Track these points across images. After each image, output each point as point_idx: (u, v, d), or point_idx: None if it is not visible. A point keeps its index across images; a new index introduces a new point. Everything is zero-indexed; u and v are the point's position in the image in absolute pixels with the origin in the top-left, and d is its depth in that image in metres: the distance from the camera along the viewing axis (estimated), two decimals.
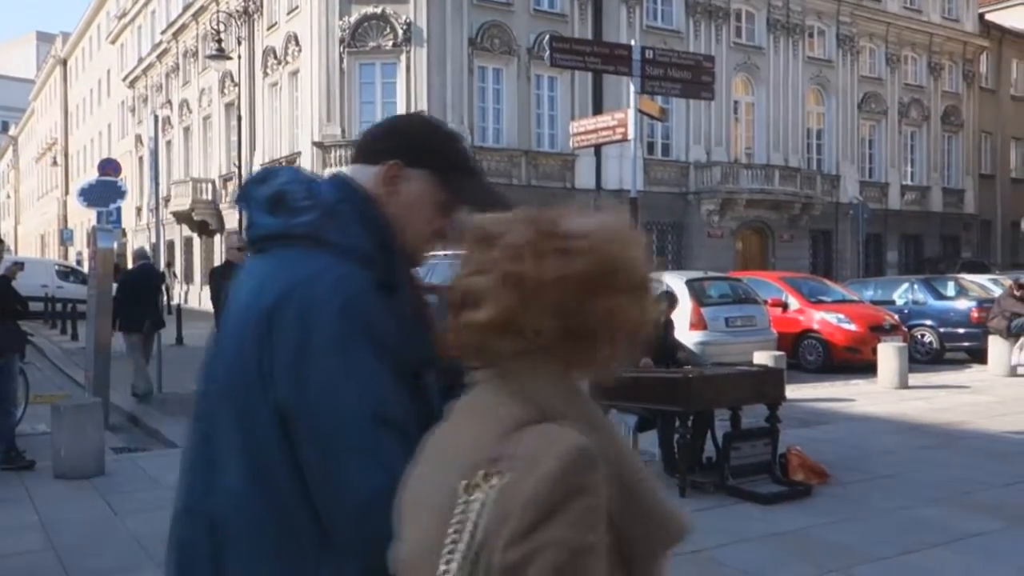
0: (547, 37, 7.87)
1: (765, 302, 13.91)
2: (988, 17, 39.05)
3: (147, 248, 14.06)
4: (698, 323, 12.14)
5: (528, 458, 1.00)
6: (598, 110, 24.15)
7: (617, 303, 1.10)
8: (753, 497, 6.11)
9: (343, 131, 23.96)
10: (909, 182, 35.40)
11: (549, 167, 25.99)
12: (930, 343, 15.50)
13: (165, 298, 30.87)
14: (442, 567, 1.00)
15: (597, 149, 24.01)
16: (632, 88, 7.94)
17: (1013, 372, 13.16)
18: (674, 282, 13.07)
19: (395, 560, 1.12)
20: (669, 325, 7.46)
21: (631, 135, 8.03)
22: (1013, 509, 5.90)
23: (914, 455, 7.69)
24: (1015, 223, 38.89)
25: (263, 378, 1.32)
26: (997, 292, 16.49)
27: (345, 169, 1.52)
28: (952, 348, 15.49)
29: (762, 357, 10.86)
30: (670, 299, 7.41)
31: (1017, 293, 13.52)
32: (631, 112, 7.96)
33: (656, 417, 6.97)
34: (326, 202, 1.41)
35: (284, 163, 26.45)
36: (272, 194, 1.44)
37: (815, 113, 32.21)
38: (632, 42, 8.65)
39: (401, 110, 24.00)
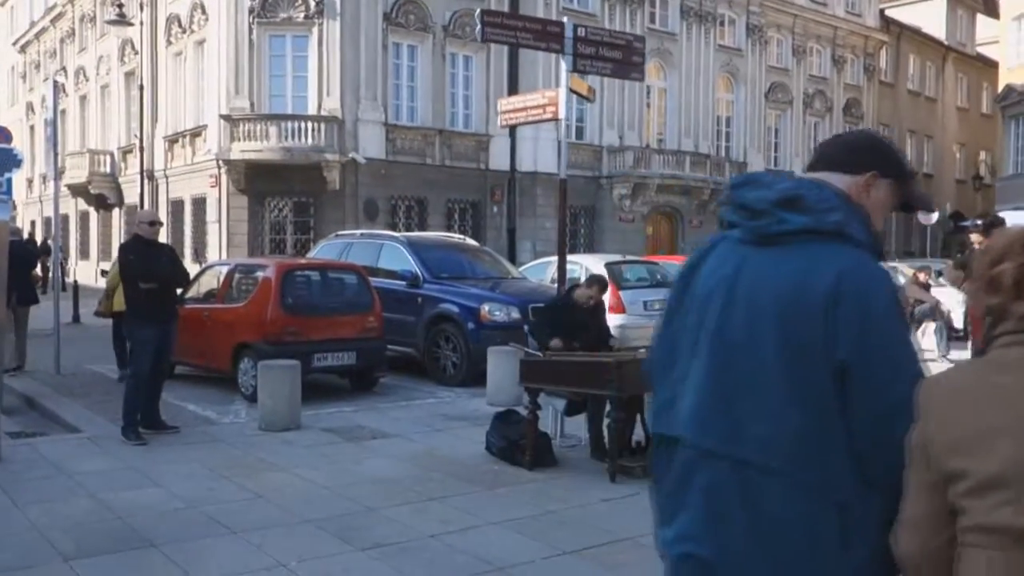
0: (478, 11, 7.65)
1: None
2: (888, 13, 40.42)
3: (23, 223, 13.23)
4: (617, 306, 12.15)
5: None
6: (514, 90, 23.98)
7: None
8: None
9: (252, 104, 23.16)
10: None
11: (463, 147, 25.73)
12: None
13: (50, 273, 29.52)
14: None
15: (512, 130, 23.85)
16: (563, 66, 7.80)
17: None
18: (593, 264, 13.09)
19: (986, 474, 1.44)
20: (600, 309, 7.39)
21: (562, 114, 7.90)
22: None
23: None
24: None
25: (826, 341, 1.65)
26: (900, 280, 17.11)
27: (818, 175, 1.84)
28: None
29: None
30: (600, 283, 7.34)
31: (920, 281, 14.01)
32: (562, 91, 7.82)
33: (585, 401, 6.91)
34: (840, 204, 1.76)
35: (189, 136, 25.46)
36: (785, 196, 1.77)
37: (725, 100, 32.81)
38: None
39: (313, 84, 23.36)
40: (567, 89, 7.78)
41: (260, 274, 9.94)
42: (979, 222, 6.98)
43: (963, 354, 14.03)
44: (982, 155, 45.79)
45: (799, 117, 35.44)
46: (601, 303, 7.39)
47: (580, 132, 27.53)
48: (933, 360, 13.41)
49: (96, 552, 4.63)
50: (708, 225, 30.80)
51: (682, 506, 1.80)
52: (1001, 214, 7.34)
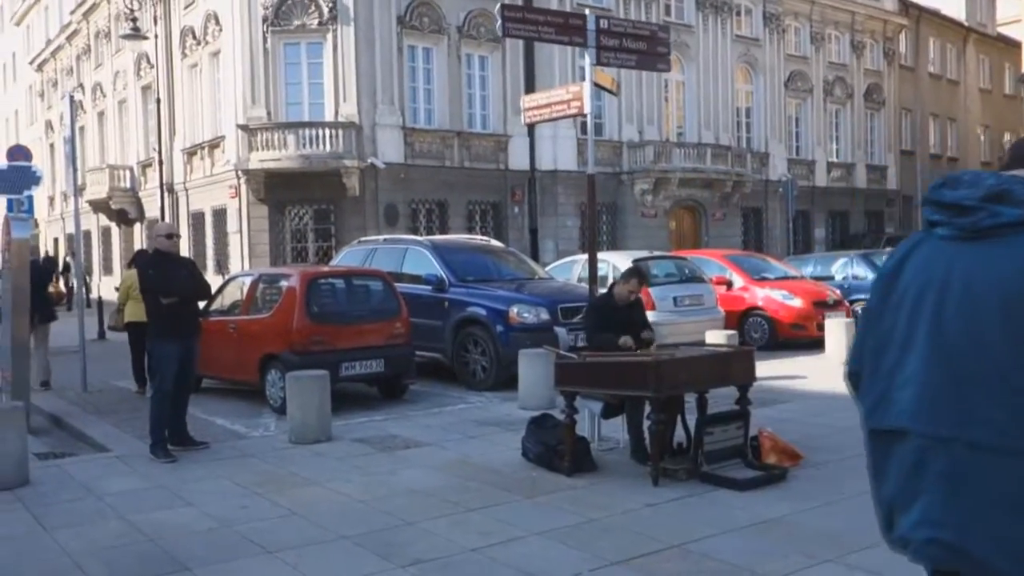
0: (498, 5, 7.42)
1: (710, 280, 13.81)
2: None
3: (45, 240, 13.22)
4: (647, 303, 11.91)
5: None
6: (531, 89, 23.78)
7: None
8: (729, 483, 5.89)
9: (269, 113, 23.10)
10: (835, 159, 35.99)
11: (482, 148, 25.55)
12: None
13: (69, 287, 29.55)
14: None
15: (531, 129, 23.66)
16: (587, 60, 7.59)
17: None
18: (621, 262, 12.86)
19: None
20: (640, 305, 7.18)
21: (587, 109, 7.69)
22: None
23: None
24: None
25: None
26: None
27: (1016, 172, 1.96)
28: None
29: (716, 336, 10.73)
30: (639, 275, 7.13)
31: None
32: (586, 85, 7.61)
33: (623, 403, 6.71)
34: None
35: (207, 147, 25.45)
36: (993, 192, 1.88)
37: (744, 91, 32.43)
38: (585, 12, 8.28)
39: (329, 91, 23.26)
40: (591, 83, 7.57)
41: (284, 283, 9.80)
42: None
43: None
44: (1007, 136, 45.09)
45: (820, 105, 34.98)
46: (640, 299, 7.18)
47: (599, 128, 27.26)
48: None
49: None
50: (731, 218, 30.50)
51: (919, 492, 1.88)
52: None
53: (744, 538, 4.89)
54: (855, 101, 36.40)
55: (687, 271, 13.64)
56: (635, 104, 28.04)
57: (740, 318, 14.04)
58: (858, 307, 15.53)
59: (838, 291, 15.03)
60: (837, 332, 12.00)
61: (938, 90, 41.87)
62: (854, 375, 2.13)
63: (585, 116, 7.78)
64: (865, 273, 16.21)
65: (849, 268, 16.59)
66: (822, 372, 11.25)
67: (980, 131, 44.79)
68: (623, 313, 6.94)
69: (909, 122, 40.12)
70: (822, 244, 34.01)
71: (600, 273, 11.57)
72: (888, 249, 19.98)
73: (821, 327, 12.97)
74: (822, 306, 13.97)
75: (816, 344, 13.13)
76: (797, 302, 13.97)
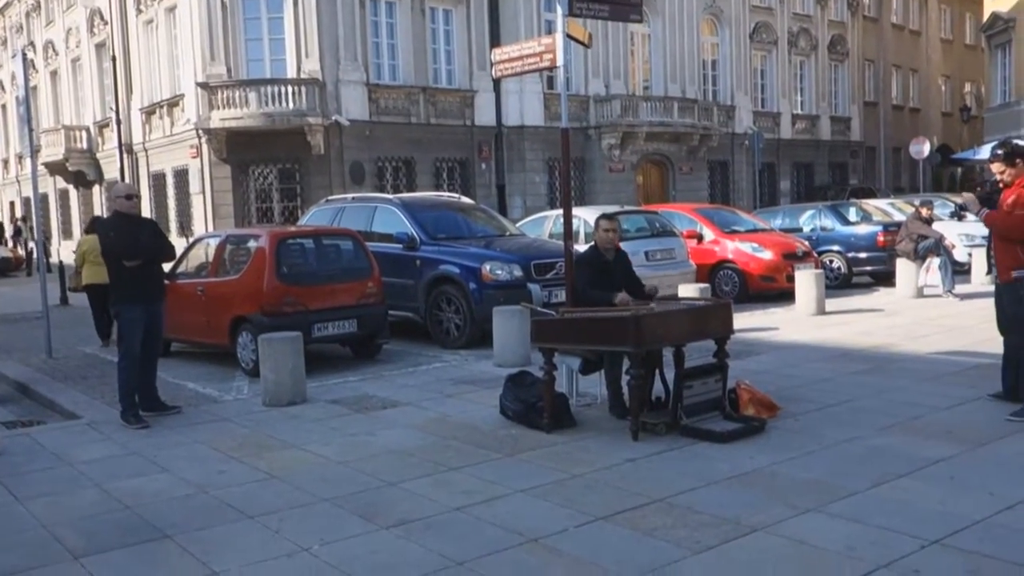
0: None
1: (680, 234, 13.80)
2: None
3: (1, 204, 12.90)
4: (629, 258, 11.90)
5: None
6: (496, 43, 23.44)
7: None
8: (709, 436, 5.91)
9: (229, 70, 22.56)
10: (799, 111, 36.06)
11: (448, 104, 25.22)
12: (839, 268, 15.76)
13: (28, 252, 28.99)
14: None
15: (497, 84, 23.38)
16: (559, 11, 7.42)
17: (920, 293, 13.48)
18: (590, 217, 12.78)
19: None
20: (626, 258, 7.12)
21: (560, 62, 7.55)
22: (964, 432, 5.86)
23: (851, 381, 7.66)
24: (896, 149, 40.27)
25: None
26: (898, 216, 16.89)
27: None
28: (859, 272, 15.79)
29: (688, 290, 10.74)
30: (609, 218, 7.05)
31: (923, 216, 13.78)
32: (558, 37, 7.46)
33: (601, 358, 6.69)
34: None
35: (166, 106, 24.86)
36: None
37: (709, 44, 32.26)
38: None
39: (291, 47, 22.76)
40: (564, 35, 7.42)
41: (253, 244, 9.62)
42: (999, 151, 6.66)
43: (967, 288, 13.89)
44: (967, 87, 45.43)
45: (784, 57, 34.94)
46: (625, 252, 7.12)
47: (566, 83, 26.98)
48: (938, 295, 13.25)
49: (108, 547, 4.39)
50: (698, 172, 30.51)
51: None
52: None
53: (727, 490, 4.91)
54: (819, 53, 36.40)
55: (658, 225, 13.62)
56: (601, 58, 27.77)
57: (711, 271, 14.09)
58: (826, 258, 15.68)
59: (806, 243, 15.11)
60: (807, 283, 12.07)
61: (901, 41, 41.98)
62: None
63: (557, 69, 7.64)
64: (833, 225, 16.31)
65: (817, 220, 16.68)
66: (793, 323, 11.34)
67: (941, 81, 45.06)
68: (612, 266, 6.89)
69: (872, 73, 40.25)
70: (788, 196, 34.20)
71: (573, 228, 11.50)
72: (866, 201, 20.10)
73: (791, 279, 13.05)
74: (791, 258, 14.05)
75: (786, 296, 13.23)
76: (767, 254, 14.03)
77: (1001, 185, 6.55)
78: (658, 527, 4.40)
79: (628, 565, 3.90)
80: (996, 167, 6.57)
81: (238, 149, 22.31)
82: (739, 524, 4.36)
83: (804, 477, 5.08)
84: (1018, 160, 6.43)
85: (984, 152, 23.85)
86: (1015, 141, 7.07)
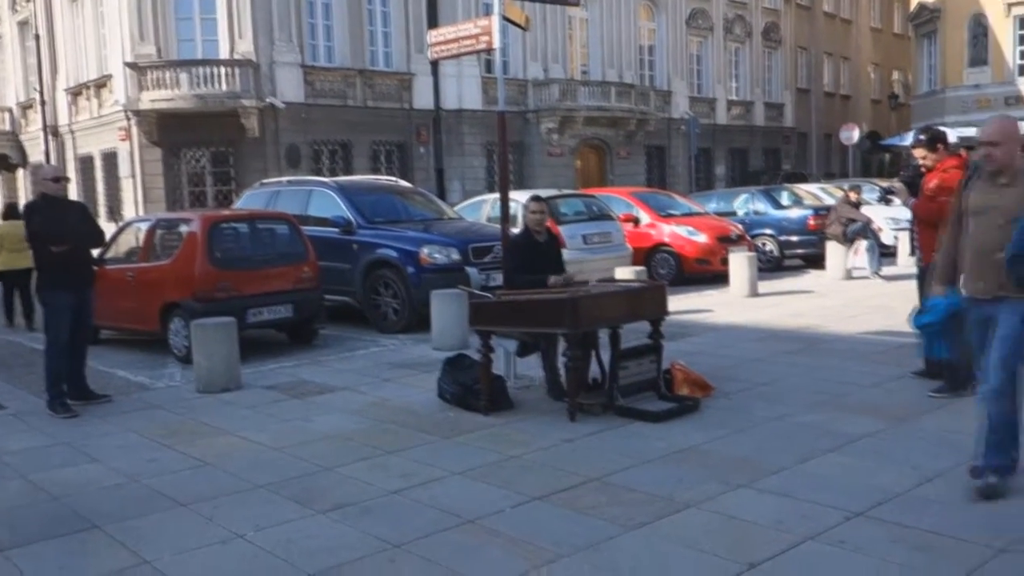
0: None
1: (617, 217, 13.92)
2: None
3: None
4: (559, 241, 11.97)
5: None
6: (433, 25, 23.24)
7: None
8: (644, 416, 5.99)
9: (159, 50, 21.97)
10: (734, 97, 36.58)
11: (385, 87, 24.96)
12: (771, 251, 16.07)
13: None
14: None
15: (435, 67, 23.21)
16: None
17: (849, 275, 13.84)
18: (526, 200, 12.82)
19: None
20: (556, 241, 7.17)
21: (496, 44, 7.53)
22: (888, 409, 6.05)
23: (782, 361, 7.84)
24: (828, 135, 41.13)
25: None
26: (828, 200, 17.29)
27: None
28: (790, 255, 16.14)
29: (625, 273, 10.85)
30: (537, 200, 7.10)
31: (851, 200, 14.13)
32: (495, 19, 7.44)
33: (538, 341, 6.73)
34: None
35: (93, 87, 24.13)
36: None
37: (646, 29, 32.49)
38: None
39: (223, 27, 22.26)
40: (501, 17, 7.41)
41: (184, 228, 9.43)
42: (922, 137, 6.86)
43: (892, 270, 14.30)
44: (895, 74, 46.58)
45: (720, 43, 35.38)
46: (555, 235, 7.17)
47: (504, 66, 26.90)
48: (866, 277, 13.62)
49: (34, 539, 4.27)
50: (636, 156, 30.78)
51: None
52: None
53: (661, 468, 5.00)
54: (754, 39, 36.95)
55: (595, 209, 13.72)
56: (540, 42, 27.78)
57: (647, 254, 14.26)
58: (759, 241, 15.98)
59: (740, 226, 15.38)
60: (741, 266, 12.30)
61: (832, 29, 42.80)
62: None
63: (494, 51, 7.62)
64: (766, 208, 16.62)
65: (750, 203, 16.98)
66: (727, 305, 11.55)
67: (871, 69, 46.10)
68: (543, 249, 6.93)
69: (805, 60, 40.99)
70: (723, 181, 34.71)
71: (510, 212, 11.52)
72: (797, 185, 20.50)
73: (725, 261, 13.27)
74: (726, 241, 14.29)
75: (721, 278, 13.46)
76: (702, 237, 14.24)
77: (923, 170, 6.75)
78: (594, 505, 4.45)
79: (564, 543, 3.95)
80: (919, 152, 6.78)
81: (169, 132, 21.78)
82: (672, 501, 4.44)
83: (736, 454, 5.19)
84: (939, 146, 6.64)
85: (911, 138, 24.47)
86: (937, 127, 7.29)
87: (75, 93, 25.26)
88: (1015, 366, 4.26)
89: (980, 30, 30.81)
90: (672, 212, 15.16)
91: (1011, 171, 4.34)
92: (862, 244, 13.77)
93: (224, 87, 21.45)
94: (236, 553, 4.02)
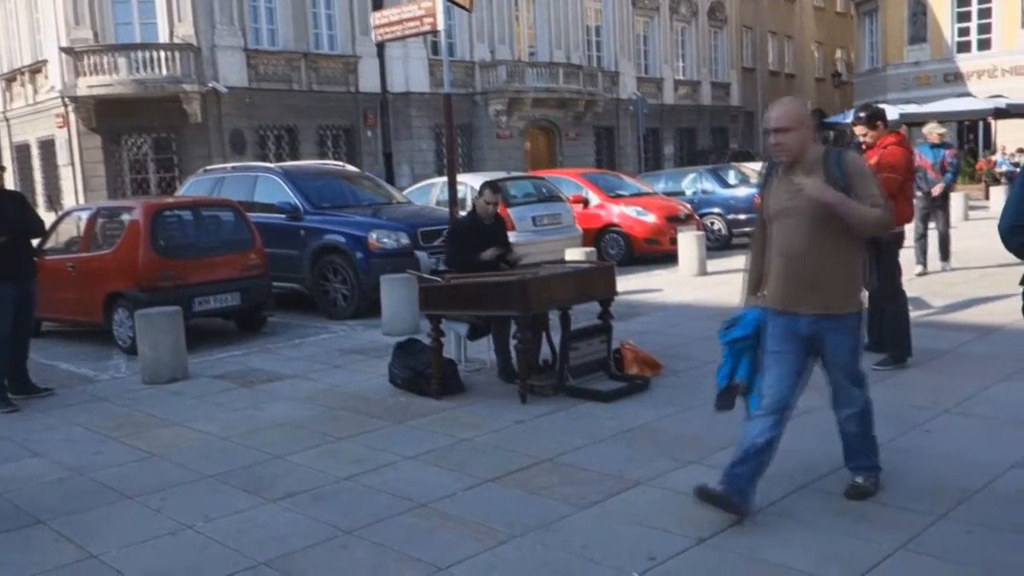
0: None
1: (567, 199, 13.96)
2: None
3: None
4: (506, 224, 11.97)
5: None
6: (378, 6, 23.01)
7: None
8: (594, 396, 6.04)
9: (96, 34, 21.40)
10: (681, 77, 36.84)
11: (331, 70, 24.65)
12: (719, 230, 16.26)
13: None
14: None
15: (381, 50, 22.98)
16: None
17: None
18: (477, 183, 12.80)
19: None
20: (503, 223, 7.17)
21: (440, 26, 7.48)
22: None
23: None
24: None
25: None
26: None
27: None
28: (738, 233, 16.32)
29: (575, 254, 10.90)
30: (492, 187, 7.07)
31: None
32: (439, 1, 7.39)
33: (488, 324, 6.73)
34: None
35: (28, 73, 23.46)
36: None
37: (593, 9, 32.51)
38: None
39: (162, 9, 21.76)
40: None
41: (127, 217, 9.24)
42: (861, 115, 6.99)
43: None
44: (838, 53, 47.29)
45: (666, 23, 35.56)
46: (502, 219, 7.16)
47: (451, 48, 26.73)
48: None
49: None
50: (585, 137, 30.85)
51: None
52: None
53: (612, 447, 5.05)
54: (699, 19, 37.20)
55: (545, 191, 13.74)
56: (486, 23, 27.64)
57: (597, 235, 14.33)
58: (707, 220, 16.15)
59: (689, 206, 15.52)
60: (690, 246, 12.42)
61: (776, 7, 43.27)
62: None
63: (438, 33, 7.57)
64: (713, 188, 16.79)
65: (698, 183, 17.14)
66: (676, 284, 11.66)
67: (814, 48, 46.74)
68: (489, 232, 6.93)
69: (750, 40, 41.40)
70: (671, 160, 34.99)
71: (459, 196, 11.50)
72: (743, 164, 20.71)
73: (674, 241, 13.39)
74: (674, 221, 14.41)
75: (669, 258, 13.58)
76: (651, 218, 14.35)
77: (864, 147, 6.87)
78: (546, 486, 4.48)
79: (517, 524, 3.97)
80: (859, 130, 6.89)
81: (109, 118, 21.26)
82: (623, 479, 4.49)
83: (685, 431, 5.26)
84: (879, 123, 6.76)
85: (852, 116, 24.88)
86: (876, 105, 7.42)
87: (9, 79, 24.52)
88: (862, 376, 4.28)
89: (919, 8, 31.40)
90: (621, 193, 15.24)
91: (806, 162, 3.81)
92: None
93: (164, 72, 20.99)
94: (186, 544, 3.98)
